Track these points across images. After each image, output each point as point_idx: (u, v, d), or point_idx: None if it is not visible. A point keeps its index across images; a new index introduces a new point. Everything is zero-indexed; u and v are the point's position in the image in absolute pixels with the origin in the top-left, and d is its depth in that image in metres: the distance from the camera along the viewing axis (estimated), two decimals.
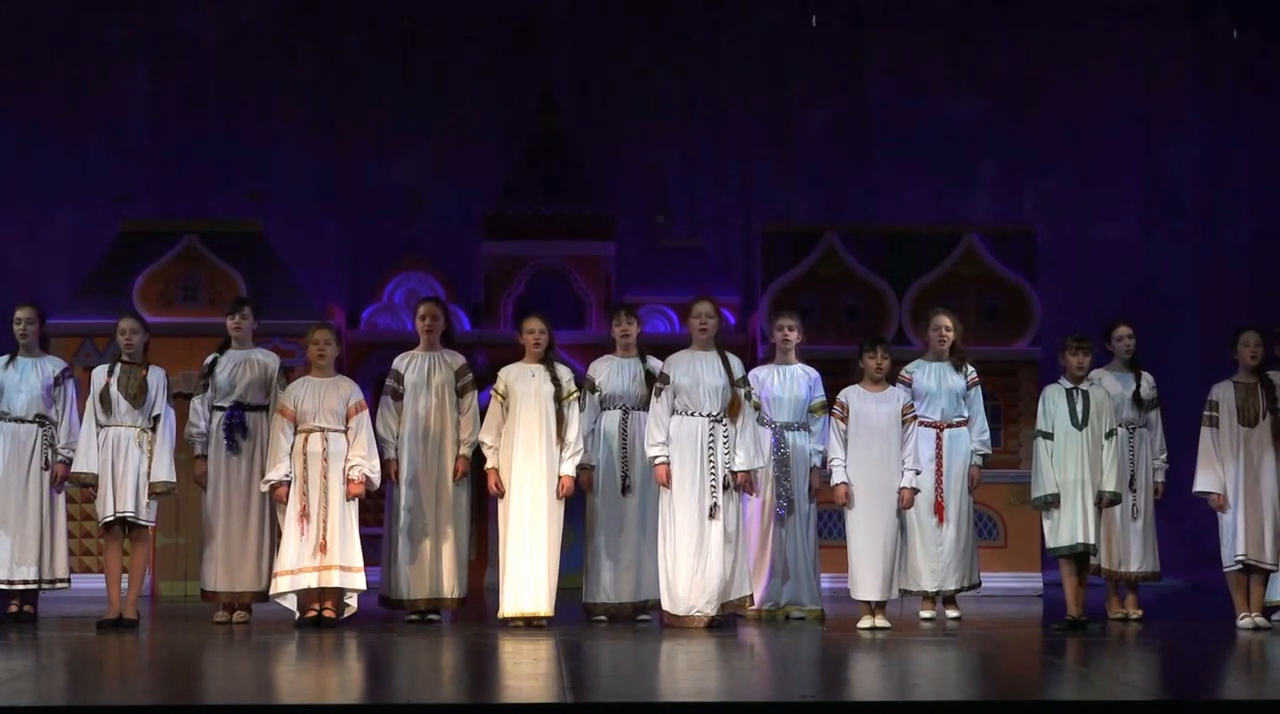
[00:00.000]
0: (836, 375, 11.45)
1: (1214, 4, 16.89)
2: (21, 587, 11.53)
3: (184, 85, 16.58)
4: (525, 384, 11.09)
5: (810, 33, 16.78)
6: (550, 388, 11.07)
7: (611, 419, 11.51)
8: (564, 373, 11.17)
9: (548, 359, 11.18)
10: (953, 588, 11.61)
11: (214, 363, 11.38)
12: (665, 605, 11.02)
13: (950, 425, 11.66)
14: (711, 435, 10.98)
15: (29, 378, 11.60)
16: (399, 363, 11.59)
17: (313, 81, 16.65)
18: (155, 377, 11.11)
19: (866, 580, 10.89)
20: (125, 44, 16.54)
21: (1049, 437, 11.13)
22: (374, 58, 16.68)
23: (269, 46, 16.65)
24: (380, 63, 16.68)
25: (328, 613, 10.99)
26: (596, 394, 11.52)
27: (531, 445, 11.00)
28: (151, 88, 16.55)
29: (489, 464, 11.07)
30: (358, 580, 11.04)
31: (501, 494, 11.02)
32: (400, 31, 16.72)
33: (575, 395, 11.17)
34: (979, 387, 11.82)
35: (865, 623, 10.89)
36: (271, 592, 11.08)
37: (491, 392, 11.19)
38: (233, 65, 16.61)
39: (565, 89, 16.41)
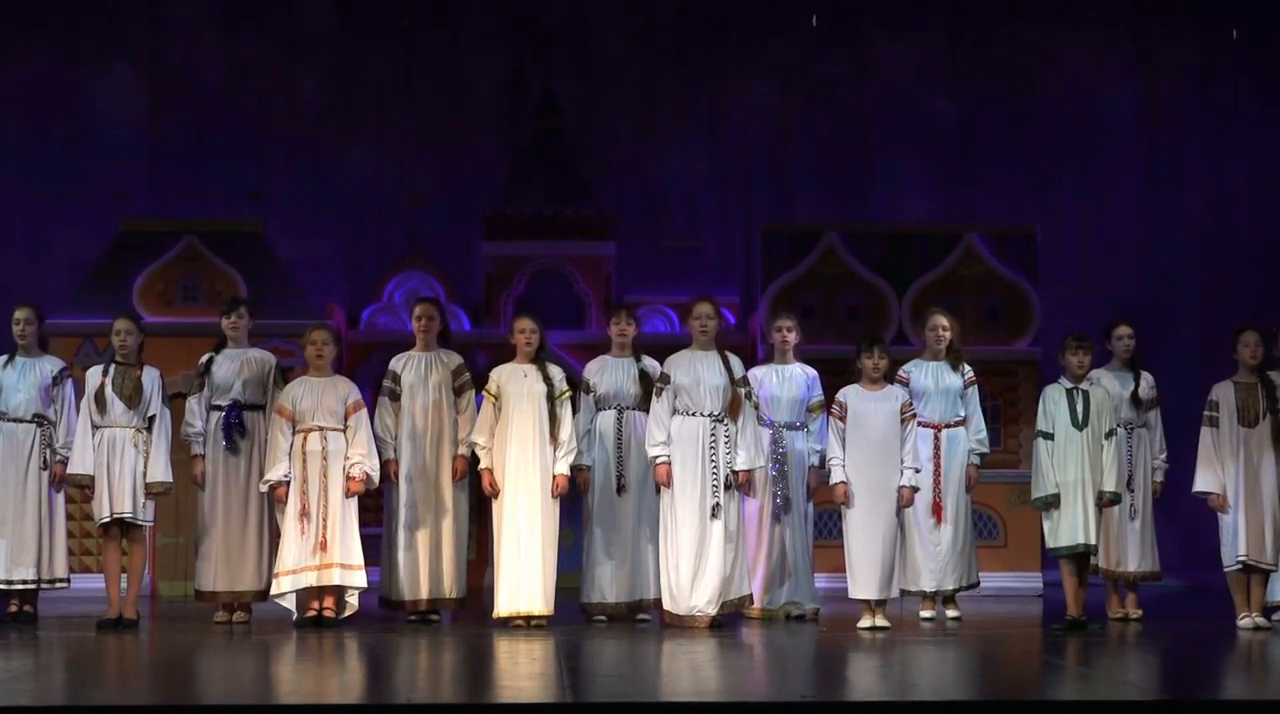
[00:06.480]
0: (836, 375, 11.44)
1: (1214, 4, 16.87)
2: (21, 586, 11.54)
3: (184, 84, 16.56)
4: (517, 384, 11.08)
5: (810, 32, 16.77)
6: (543, 387, 11.06)
7: (607, 419, 11.50)
8: (556, 372, 11.17)
9: (539, 359, 11.18)
10: (951, 588, 11.61)
11: (210, 362, 11.38)
12: (666, 605, 11.02)
13: (948, 425, 11.66)
14: (713, 435, 10.98)
15: (27, 378, 11.60)
16: (395, 364, 11.59)
17: (313, 81, 16.63)
18: (150, 377, 11.11)
19: (865, 579, 10.88)
20: (125, 43, 16.52)
21: (1049, 437, 11.13)
22: (374, 57, 16.66)
23: (269, 46, 16.64)
24: (381, 62, 16.66)
25: (327, 612, 10.98)
26: (592, 395, 11.52)
27: (525, 445, 10.99)
28: (151, 87, 16.53)
29: (482, 465, 11.07)
30: (358, 578, 11.04)
31: (496, 494, 11.02)
32: (401, 31, 16.71)
33: (567, 394, 11.16)
34: (976, 386, 11.82)
35: (865, 622, 10.88)
36: (273, 592, 11.07)
37: (484, 392, 11.19)
38: (233, 64, 16.60)
39: (565, 89, 16.39)
